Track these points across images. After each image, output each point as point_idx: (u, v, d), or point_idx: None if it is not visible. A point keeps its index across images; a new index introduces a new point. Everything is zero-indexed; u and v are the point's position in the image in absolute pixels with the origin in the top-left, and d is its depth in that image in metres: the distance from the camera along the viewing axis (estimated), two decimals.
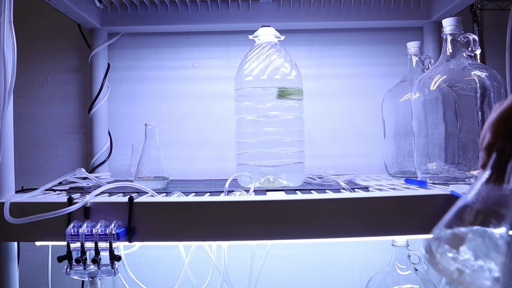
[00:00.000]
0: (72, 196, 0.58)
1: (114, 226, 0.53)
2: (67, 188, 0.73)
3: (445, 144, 0.69)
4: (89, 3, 0.90)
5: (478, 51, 0.71)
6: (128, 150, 0.94)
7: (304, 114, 0.77)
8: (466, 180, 0.67)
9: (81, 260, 0.53)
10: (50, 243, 0.71)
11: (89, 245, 0.53)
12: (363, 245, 0.98)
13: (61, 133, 1.02)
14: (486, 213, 0.38)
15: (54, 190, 0.70)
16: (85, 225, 0.53)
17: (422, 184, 0.68)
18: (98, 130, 0.97)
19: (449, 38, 0.73)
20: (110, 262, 0.54)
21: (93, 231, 0.53)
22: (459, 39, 0.72)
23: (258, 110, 0.73)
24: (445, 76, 0.70)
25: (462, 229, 0.38)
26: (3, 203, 0.55)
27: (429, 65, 0.83)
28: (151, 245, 0.98)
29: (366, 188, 0.67)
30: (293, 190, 0.68)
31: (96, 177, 0.72)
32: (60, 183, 0.78)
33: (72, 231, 0.53)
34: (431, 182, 0.70)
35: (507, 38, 0.83)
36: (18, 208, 0.56)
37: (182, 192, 0.66)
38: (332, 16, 0.96)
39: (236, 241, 0.59)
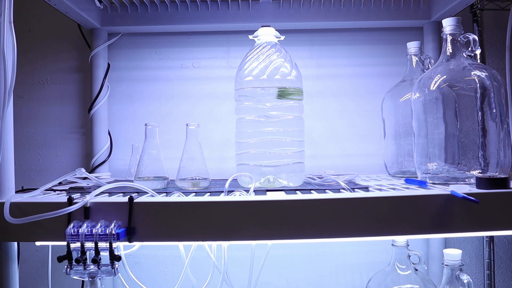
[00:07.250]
0: (72, 196, 0.58)
1: (114, 226, 0.53)
2: (67, 188, 0.72)
3: (445, 144, 0.69)
4: (89, 3, 0.90)
5: (478, 51, 0.71)
6: (128, 150, 0.94)
7: (304, 114, 0.77)
8: (466, 180, 0.67)
9: (81, 260, 0.53)
10: (50, 243, 0.71)
11: (89, 245, 0.53)
12: (363, 245, 0.98)
13: (61, 133, 1.02)
14: None
15: (54, 190, 0.70)
16: (85, 225, 0.53)
17: (422, 184, 0.67)
18: (98, 130, 0.97)
19: (449, 38, 0.72)
20: (110, 262, 0.54)
21: (93, 231, 0.53)
22: (459, 39, 0.72)
23: (258, 110, 0.73)
24: (445, 76, 0.70)
25: None
26: (3, 203, 0.55)
27: (429, 65, 0.84)
28: (151, 245, 0.98)
29: (366, 188, 0.67)
30: (293, 190, 0.68)
31: (96, 177, 0.72)
32: (60, 183, 0.78)
33: (72, 231, 0.53)
34: (431, 182, 0.70)
35: (507, 38, 0.82)
36: (18, 208, 0.56)
37: (182, 192, 0.66)
38: (332, 16, 0.96)
39: (236, 241, 0.59)
